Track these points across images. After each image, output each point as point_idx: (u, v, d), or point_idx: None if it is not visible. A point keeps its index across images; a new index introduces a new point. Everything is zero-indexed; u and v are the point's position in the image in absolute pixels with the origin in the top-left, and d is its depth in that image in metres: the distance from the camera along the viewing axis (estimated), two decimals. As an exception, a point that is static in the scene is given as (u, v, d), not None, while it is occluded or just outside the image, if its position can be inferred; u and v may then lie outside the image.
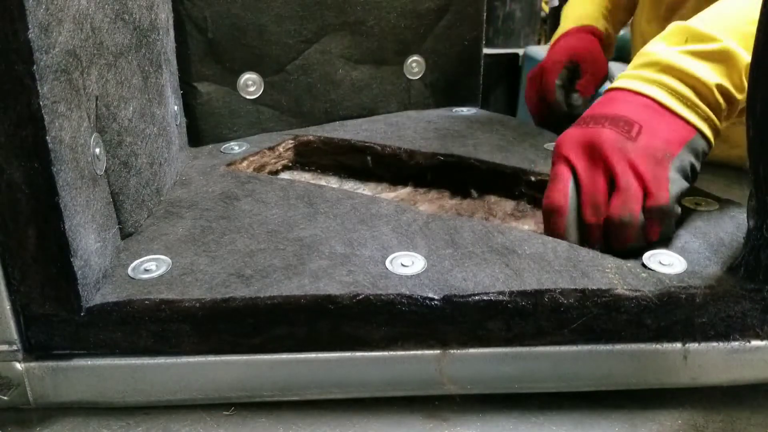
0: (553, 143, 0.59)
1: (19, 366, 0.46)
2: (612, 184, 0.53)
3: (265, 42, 0.78)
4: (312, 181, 0.75)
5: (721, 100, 0.56)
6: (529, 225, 0.65)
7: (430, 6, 0.85)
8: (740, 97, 0.57)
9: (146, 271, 0.49)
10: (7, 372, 0.46)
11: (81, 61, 0.45)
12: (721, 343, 0.46)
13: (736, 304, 0.45)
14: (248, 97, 0.80)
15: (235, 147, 0.76)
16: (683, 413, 0.47)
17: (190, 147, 0.77)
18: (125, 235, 0.55)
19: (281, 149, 0.79)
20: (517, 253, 0.50)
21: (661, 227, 0.52)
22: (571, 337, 0.46)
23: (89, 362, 0.46)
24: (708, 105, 0.56)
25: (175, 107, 0.70)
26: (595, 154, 0.54)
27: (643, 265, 0.48)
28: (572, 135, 0.56)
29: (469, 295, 0.45)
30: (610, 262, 0.48)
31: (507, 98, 1.95)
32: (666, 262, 0.48)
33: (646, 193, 0.52)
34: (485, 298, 0.45)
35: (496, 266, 0.48)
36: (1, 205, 0.41)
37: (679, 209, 0.54)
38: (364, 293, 0.45)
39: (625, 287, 0.45)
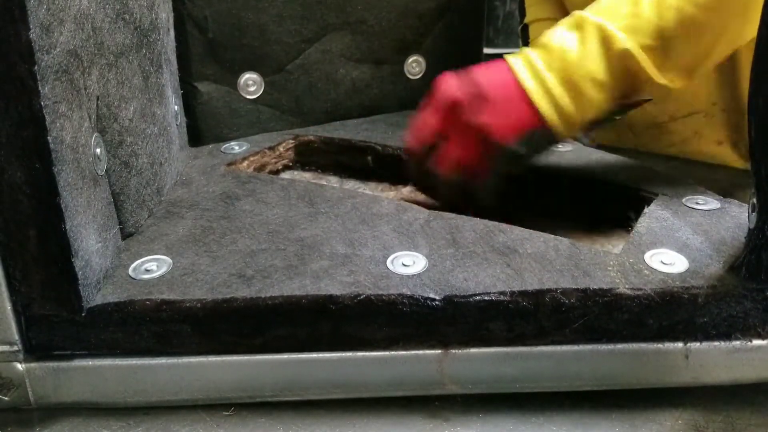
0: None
1: (19, 366, 0.46)
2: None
3: (266, 41, 0.78)
4: (313, 181, 0.75)
5: (601, 71, 0.55)
6: None
7: (430, 6, 0.85)
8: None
9: (147, 271, 0.49)
10: (8, 372, 0.46)
11: (82, 61, 0.45)
12: (722, 343, 0.46)
13: (738, 303, 0.45)
14: (248, 96, 0.80)
15: (236, 147, 0.76)
16: (683, 413, 0.47)
17: (190, 147, 0.77)
18: (126, 236, 0.55)
19: (282, 149, 0.79)
20: (518, 252, 0.50)
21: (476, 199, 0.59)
22: (573, 336, 0.46)
23: (90, 363, 0.46)
24: (573, 87, 0.55)
25: (176, 107, 0.70)
26: (448, 115, 0.59)
27: (645, 264, 0.48)
28: (445, 87, 0.60)
29: (470, 296, 0.45)
30: (612, 260, 0.48)
31: (507, 98, 1.95)
32: (668, 261, 0.48)
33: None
34: (486, 298, 0.45)
35: (498, 266, 0.48)
36: (2, 205, 0.41)
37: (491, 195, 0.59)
38: (366, 293, 0.45)
39: (627, 286, 0.45)
